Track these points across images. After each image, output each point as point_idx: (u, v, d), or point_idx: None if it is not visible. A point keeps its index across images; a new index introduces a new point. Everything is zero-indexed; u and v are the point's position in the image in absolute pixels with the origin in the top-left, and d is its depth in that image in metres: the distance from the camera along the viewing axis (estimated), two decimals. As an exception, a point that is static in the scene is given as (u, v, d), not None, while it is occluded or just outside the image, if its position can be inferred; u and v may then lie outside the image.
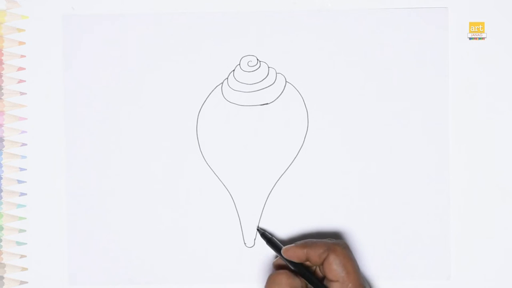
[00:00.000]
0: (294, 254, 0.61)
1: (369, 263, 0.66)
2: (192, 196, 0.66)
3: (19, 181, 0.66)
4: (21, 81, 0.66)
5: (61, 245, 0.66)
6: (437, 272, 0.65)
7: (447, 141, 0.65)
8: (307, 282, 0.61)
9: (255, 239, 0.66)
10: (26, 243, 0.66)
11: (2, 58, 0.65)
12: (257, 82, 0.66)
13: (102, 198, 0.66)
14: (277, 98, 0.65)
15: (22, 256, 0.66)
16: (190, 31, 0.65)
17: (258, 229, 0.66)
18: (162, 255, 0.66)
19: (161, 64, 0.66)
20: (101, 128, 0.66)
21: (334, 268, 0.59)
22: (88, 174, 0.66)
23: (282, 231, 0.66)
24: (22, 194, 0.66)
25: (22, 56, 0.66)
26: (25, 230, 0.66)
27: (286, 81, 0.65)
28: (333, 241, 0.61)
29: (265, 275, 0.65)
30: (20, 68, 0.66)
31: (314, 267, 0.62)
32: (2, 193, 0.66)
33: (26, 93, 0.66)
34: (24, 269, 0.66)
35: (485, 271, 0.66)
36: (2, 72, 0.66)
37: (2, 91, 0.66)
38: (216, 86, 0.66)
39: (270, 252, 0.66)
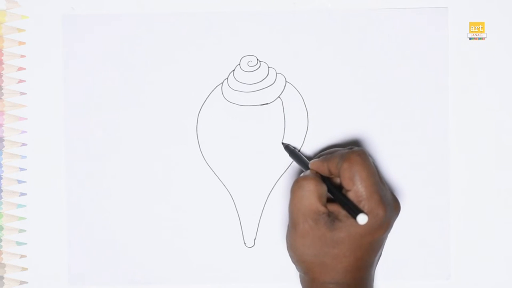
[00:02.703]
0: (317, 167, 0.59)
1: (369, 263, 0.65)
2: (192, 196, 0.66)
3: (19, 181, 0.66)
4: (21, 81, 0.66)
5: (61, 245, 0.66)
6: (437, 272, 0.65)
7: (447, 141, 0.65)
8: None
9: (255, 239, 0.66)
10: (26, 243, 0.66)
11: (2, 58, 0.65)
12: (257, 82, 0.66)
13: (102, 198, 0.66)
14: (277, 98, 0.65)
15: (22, 256, 0.66)
16: (190, 31, 0.65)
17: (282, 143, 0.64)
18: (162, 255, 0.66)
19: (161, 64, 0.66)
20: (101, 128, 0.66)
21: (347, 176, 0.56)
22: (88, 174, 0.66)
23: (282, 231, 0.66)
24: (22, 194, 0.66)
25: (22, 56, 0.66)
26: (25, 230, 0.66)
27: (286, 81, 0.65)
28: (349, 149, 0.58)
29: (265, 275, 0.65)
30: (20, 68, 0.66)
31: (338, 179, 0.59)
32: (2, 193, 0.66)
33: (26, 93, 0.66)
34: (24, 269, 0.66)
35: (485, 271, 0.66)
36: (2, 72, 0.66)
37: (2, 91, 0.66)
38: (216, 86, 0.66)
39: (270, 252, 0.66)
